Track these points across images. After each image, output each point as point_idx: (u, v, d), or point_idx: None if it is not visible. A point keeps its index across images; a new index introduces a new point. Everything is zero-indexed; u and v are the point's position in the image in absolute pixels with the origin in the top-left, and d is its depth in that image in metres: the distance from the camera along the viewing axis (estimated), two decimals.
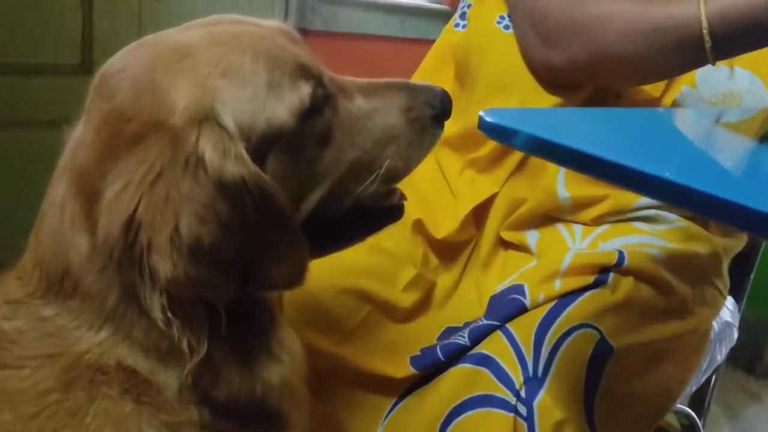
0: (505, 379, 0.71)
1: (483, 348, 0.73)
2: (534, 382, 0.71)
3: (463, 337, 0.76)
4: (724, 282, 0.90)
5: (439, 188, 0.88)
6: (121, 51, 0.52)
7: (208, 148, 0.45)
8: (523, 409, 0.70)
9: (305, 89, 0.51)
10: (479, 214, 0.84)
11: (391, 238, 0.83)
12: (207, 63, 0.48)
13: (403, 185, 0.83)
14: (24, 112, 1.60)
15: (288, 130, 0.50)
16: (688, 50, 0.71)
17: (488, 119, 0.51)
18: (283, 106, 0.49)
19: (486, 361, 0.72)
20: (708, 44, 0.69)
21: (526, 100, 0.83)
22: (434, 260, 0.86)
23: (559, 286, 0.75)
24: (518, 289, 0.78)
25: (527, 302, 0.76)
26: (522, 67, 0.84)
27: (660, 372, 0.80)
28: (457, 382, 0.72)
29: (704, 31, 0.68)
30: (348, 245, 0.64)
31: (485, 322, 0.77)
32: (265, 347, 0.53)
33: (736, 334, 1.06)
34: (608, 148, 0.49)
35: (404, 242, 0.84)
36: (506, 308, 0.76)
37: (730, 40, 0.69)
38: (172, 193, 0.44)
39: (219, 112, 0.47)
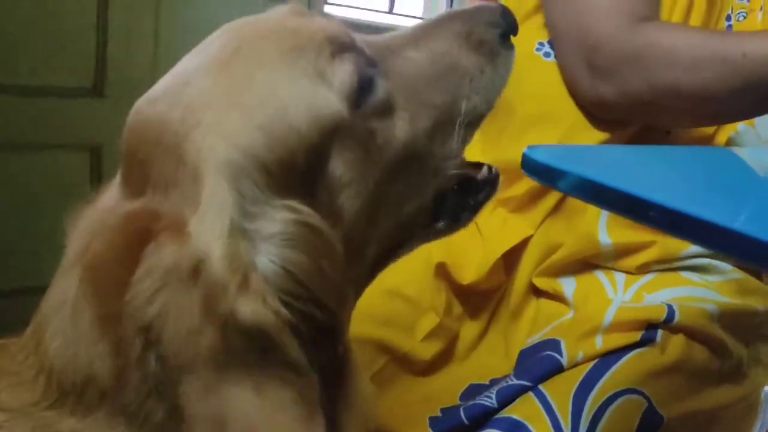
0: None
1: (512, 412, 0.65)
2: None
3: (490, 397, 0.68)
4: None
5: (466, 229, 0.80)
6: (156, 87, 0.44)
7: (213, 266, 0.36)
8: None
9: (346, 66, 0.43)
10: (510, 258, 0.77)
11: (411, 283, 0.76)
12: (219, 111, 0.40)
13: None
14: (35, 135, 1.56)
15: (342, 120, 0.42)
16: (764, 90, 0.63)
17: (533, 157, 0.43)
18: (327, 95, 0.42)
19: (516, 428, 0.64)
20: None
21: (568, 135, 0.76)
22: (458, 308, 0.78)
23: (600, 343, 0.67)
24: (553, 345, 0.70)
25: (564, 360, 0.68)
26: (565, 98, 0.76)
27: None
28: None
29: None
30: (466, 219, 0.56)
31: (515, 381, 0.69)
32: (339, 399, 0.43)
33: None
34: (674, 193, 0.42)
35: (426, 287, 0.77)
36: (539, 366, 0.68)
37: None
38: (171, 307, 0.36)
39: (242, 216, 0.38)
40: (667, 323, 0.68)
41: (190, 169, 0.39)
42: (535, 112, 0.78)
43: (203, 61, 0.44)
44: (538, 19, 0.80)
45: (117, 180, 0.44)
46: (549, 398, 0.65)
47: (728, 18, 0.78)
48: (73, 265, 0.42)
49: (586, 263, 0.77)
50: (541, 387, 0.66)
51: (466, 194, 0.54)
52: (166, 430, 0.39)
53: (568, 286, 0.76)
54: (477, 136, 0.85)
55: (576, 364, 0.67)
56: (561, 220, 0.76)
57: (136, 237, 0.38)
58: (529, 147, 0.44)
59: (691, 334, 0.68)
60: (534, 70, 0.78)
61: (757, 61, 0.62)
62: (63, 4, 1.55)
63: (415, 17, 2.18)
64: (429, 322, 0.75)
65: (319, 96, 0.41)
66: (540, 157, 0.43)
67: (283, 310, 0.37)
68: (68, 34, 1.58)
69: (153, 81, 1.13)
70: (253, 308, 0.36)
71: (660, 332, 0.67)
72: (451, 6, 2.17)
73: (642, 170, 0.48)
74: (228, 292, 0.36)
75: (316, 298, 0.38)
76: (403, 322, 0.74)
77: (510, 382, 0.68)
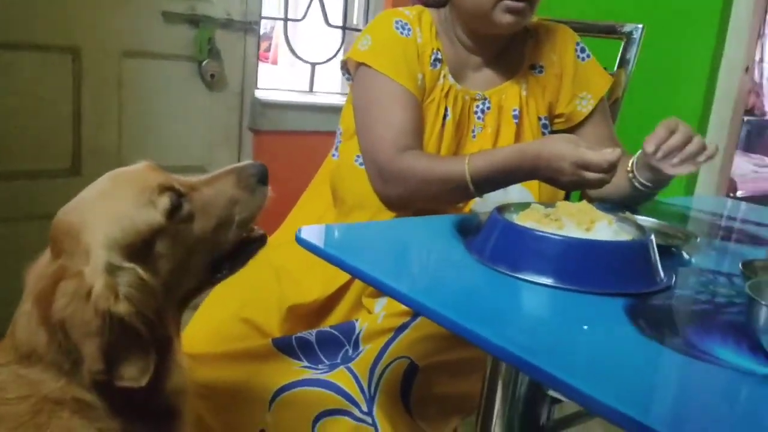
0: (351, 401, 1.07)
1: (331, 378, 1.08)
2: (371, 401, 1.07)
3: (311, 334, 1.13)
4: None
5: (314, 274, 1.23)
6: (63, 208, 0.81)
7: (97, 288, 0.73)
8: (368, 418, 1.06)
9: (164, 199, 0.80)
10: (341, 289, 1.21)
11: (261, 315, 1.18)
12: (100, 214, 0.78)
13: (281, 274, 1.21)
14: (26, 209, 1.92)
15: (163, 224, 0.79)
16: (462, 191, 1.09)
17: (297, 234, 0.86)
18: (155, 213, 0.79)
19: (335, 387, 1.08)
20: (471, 188, 1.07)
21: (374, 216, 1.19)
22: (299, 322, 1.20)
23: (380, 320, 1.12)
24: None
25: (357, 324, 1.13)
26: (371, 193, 1.19)
27: (465, 382, 1.14)
28: (319, 398, 1.07)
29: (468, 182, 1.06)
30: (240, 268, 0.93)
31: (326, 329, 1.14)
32: (165, 366, 0.81)
33: None
34: (365, 257, 0.84)
35: (273, 320, 1.19)
36: (343, 325, 1.14)
37: (484, 185, 1.08)
38: (75, 312, 0.73)
39: (112, 260, 0.75)
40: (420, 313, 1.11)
41: (83, 246, 0.76)
42: (355, 202, 1.23)
43: (95, 190, 0.82)
44: (357, 139, 1.24)
45: (47, 251, 0.80)
46: (355, 371, 1.09)
47: (473, 131, 1.26)
48: (28, 296, 0.78)
49: None
50: (351, 365, 1.09)
51: (246, 247, 0.92)
52: (70, 372, 0.74)
53: (380, 303, 1.19)
54: (332, 212, 1.29)
55: (363, 328, 1.11)
56: None
57: (56, 280, 0.74)
58: (301, 228, 0.88)
59: None
60: (353, 175, 1.23)
61: (455, 177, 1.07)
62: (43, 100, 1.92)
63: (333, 93, 2.65)
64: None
65: (150, 214, 0.79)
66: (300, 233, 0.86)
67: (134, 311, 0.74)
68: (50, 128, 1.96)
69: (119, 159, 1.74)
70: (120, 308, 0.73)
71: (419, 317, 1.11)
72: None
73: (362, 242, 0.92)
74: (107, 301, 0.72)
75: (141, 312, 0.75)
76: (248, 338, 1.16)
77: (323, 329, 1.13)
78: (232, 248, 0.90)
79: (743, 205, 1.56)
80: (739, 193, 3.70)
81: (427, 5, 1.28)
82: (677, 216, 1.30)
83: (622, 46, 1.44)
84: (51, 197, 1.97)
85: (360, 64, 1.22)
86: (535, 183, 1.19)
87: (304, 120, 2.42)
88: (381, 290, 0.77)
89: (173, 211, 0.81)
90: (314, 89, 2.58)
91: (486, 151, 1.12)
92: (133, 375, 0.75)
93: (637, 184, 1.17)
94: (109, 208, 0.80)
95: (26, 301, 0.79)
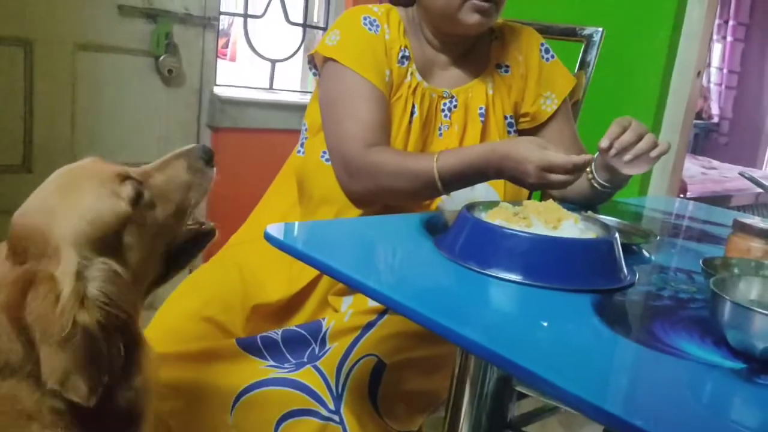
0: (318, 399, 1.07)
1: (298, 377, 1.08)
2: (338, 399, 1.07)
3: (277, 333, 1.12)
4: None
5: (278, 273, 1.23)
6: (20, 209, 0.79)
7: (64, 294, 0.71)
8: (336, 417, 1.06)
9: (127, 187, 0.80)
10: (307, 287, 1.20)
11: (224, 313, 1.17)
12: (65, 211, 0.76)
13: (245, 273, 1.19)
14: None
15: (129, 213, 0.79)
16: (429, 188, 1.10)
17: (267, 231, 0.86)
18: (120, 202, 0.79)
19: (302, 386, 1.07)
20: (439, 185, 1.08)
21: (341, 212, 1.20)
22: (265, 322, 1.20)
23: (347, 318, 1.11)
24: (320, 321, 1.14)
25: (324, 323, 1.12)
26: (338, 188, 1.19)
27: (432, 380, 1.15)
28: (284, 399, 1.06)
29: (436, 179, 1.07)
30: (192, 260, 0.95)
31: (292, 327, 1.13)
32: (137, 361, 0.80)
33: None
34: (338, 255, 0.84)
35: (237, 317, 1.18)
36: (309, 324, 1.13)
37: (452, 183, 1.09)
38: (42, 316, 0.70)
39: (83, 258, 0.74)
40: (390, 308, 1.12)
41: (52, 247, 0.74)
42: (321, 197, 1.22)
43: (53, 188, 0.80)
44: (323, 135, 1.24)
45: (2, 256, 0.77)
46: (322, 369, 1.09)
47: (440, 128, 1.27)
48: None
49: None
50: (318, 364, 1.09)
51: (198, 240, 0.94)
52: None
53: (346, 301, 1.19)
54: (297, 209, 1.29)
55: (330, 327, 1.10)
56: None
57: (26, 285, 0.71)
58: (269, 225, 0.88)
59: None
60: (320, 170, 1.22)
61: (423, 173, 1.08)
62: None
63: (293, 91, 2.63)
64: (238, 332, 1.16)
65: (116, 203, 0.79)
66: (269, 230, 0.86)
67: (100, 318, 0.71)
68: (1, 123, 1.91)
69: (72, 156, 1.68)
70: (83, 318, 0.70)
71: (386, 315, 1.12)
72: None
73: (332, 239, 0.92)
74: (72, 308, 0.70)
75: (119, 306, 0.74)
76: (210, 338, 1.15)
77: (291, 328, 1.12)
78: (185, 240, 0.92)
79: (691, 204, 1.62)
80: (688, 194, 3.82)
81: (394, 3, 1.29)
82: (633, 215, 1.34)
83: (582, 49, 1.47)
84: (0, 194, 1.95)
85: (328, 59, 1.22)
86: (501, 182, 1.21)
87: (264, 117, 2.39)
88: (354, 288, 0.77)
89: (136, 199, 0.81)
90: (274, 86, 2.56)
91: (454, 149, 1.13)
92: (82, 391, 0.72)
93: (596, 184, 1.20)
94: (73, 204, 0.77)
95: None
